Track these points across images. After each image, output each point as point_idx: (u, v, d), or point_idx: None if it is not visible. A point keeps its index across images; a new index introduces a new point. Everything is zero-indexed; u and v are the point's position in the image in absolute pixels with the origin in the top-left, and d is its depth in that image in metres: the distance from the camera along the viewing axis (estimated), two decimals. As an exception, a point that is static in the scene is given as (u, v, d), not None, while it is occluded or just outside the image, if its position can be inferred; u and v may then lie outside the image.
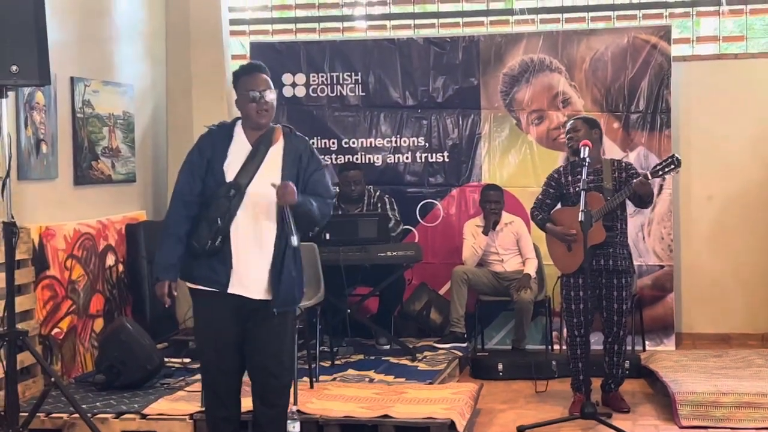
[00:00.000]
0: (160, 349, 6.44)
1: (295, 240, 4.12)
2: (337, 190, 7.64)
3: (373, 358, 6.96)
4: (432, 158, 7.90)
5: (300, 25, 8.55)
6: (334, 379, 6.30)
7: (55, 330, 6.15)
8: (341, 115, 8.03)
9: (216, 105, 7.76)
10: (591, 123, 5.97)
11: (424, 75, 7.90)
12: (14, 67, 4.64)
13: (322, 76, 8.02)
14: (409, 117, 7.94)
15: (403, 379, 6.28)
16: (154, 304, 7.04)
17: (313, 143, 7.84)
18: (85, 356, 6.48)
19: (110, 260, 6.92)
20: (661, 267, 7.55)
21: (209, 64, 7.88)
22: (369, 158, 7.96)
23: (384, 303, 7.47)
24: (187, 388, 5.91)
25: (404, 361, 6.79)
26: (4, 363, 4.78)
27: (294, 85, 8.03)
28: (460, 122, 7.85)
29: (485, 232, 7.31)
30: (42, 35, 4.76)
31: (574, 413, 5.64)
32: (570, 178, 5.88)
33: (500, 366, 6.81)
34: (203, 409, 4.77)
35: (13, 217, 4.78)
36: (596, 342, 6.19)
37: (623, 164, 5.98)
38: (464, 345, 7.18)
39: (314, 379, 6.09)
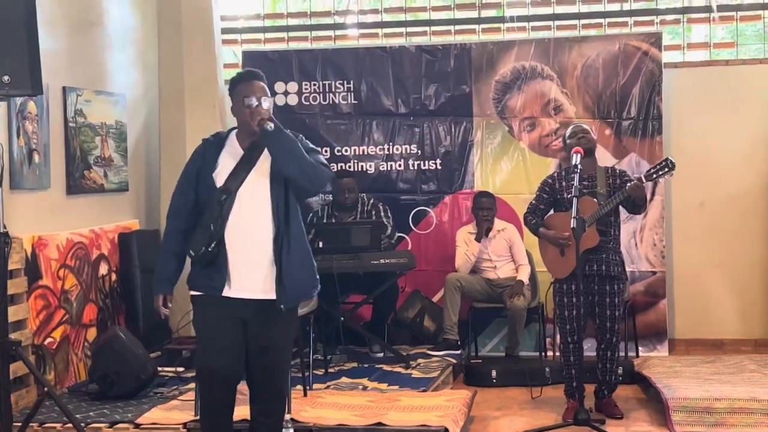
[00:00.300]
0: (153, 359, 6.43)
1: (270, 125, 4.16)
2: (331, 198, 7.67)
3: (366, 365, 6.96)
4: (425, 166, 7.92)
5: (292, 34, 8.57)
6: (328, 387, 6.30)
7: (48, 340, 6.15)
8: (333, 123, 8.04)
9: (208, 113, 7.75)
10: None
11: (416, 83, 7.91)
12: (6, 77, 4.63)
13: (315, 85, 8.03)
14: (401, 125, 7.95)
15: (396, 387, 6.27)
16: (148, 314, 7.05)
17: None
18: (78, 366, 6.47)
19: (103, 269, 6.92)
20: (654, 273, 7.56)
21: (202, 72, 7.87)
22: (362, 166, 7.97)
23: (377, 311, 7.48)
24: (180, 398, 5.91)
25: (398, 369, 6.79)
26: (-2, 373, 4.78)
27: (286, 93, 8.05)
28: (453, 130, 7.87)
29: (478, 239, 7.32)
30: (34, 45, 4.75)
31: (567, 420, 5.65)
32: (564, 184, 5.89)
33: (494, 373, 6.82)
34: (197, 417, 4.76)
35: (5, 227, 4.77)
36: (589, 348, 6.19)
37: (617, 171, 6.00)
38: (458, 352, 7.18)
39: (308, 387, 6.08)
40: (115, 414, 5.54)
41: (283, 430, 4.58)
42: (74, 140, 6.78)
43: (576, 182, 5.51)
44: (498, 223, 7.38)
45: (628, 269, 7.17)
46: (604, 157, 7.43)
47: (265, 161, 4.26)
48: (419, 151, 7.92)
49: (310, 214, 7.64)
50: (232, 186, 4.20)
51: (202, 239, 4.15)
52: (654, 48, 7.54)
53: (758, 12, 7.91)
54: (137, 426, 5.34)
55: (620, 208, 5.85)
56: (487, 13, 8.33)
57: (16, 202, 5.98)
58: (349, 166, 7.91)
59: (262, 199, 4.21)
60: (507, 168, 7.79)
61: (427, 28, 8.44)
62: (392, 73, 7.94)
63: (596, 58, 7.64)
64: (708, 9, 7.92)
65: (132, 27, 7.75)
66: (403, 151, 7.95)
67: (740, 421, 5.46)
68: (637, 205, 5.76)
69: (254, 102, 4.23)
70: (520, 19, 8.18)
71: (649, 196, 7.39)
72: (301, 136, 4.36)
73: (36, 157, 6.26)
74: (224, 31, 8.33)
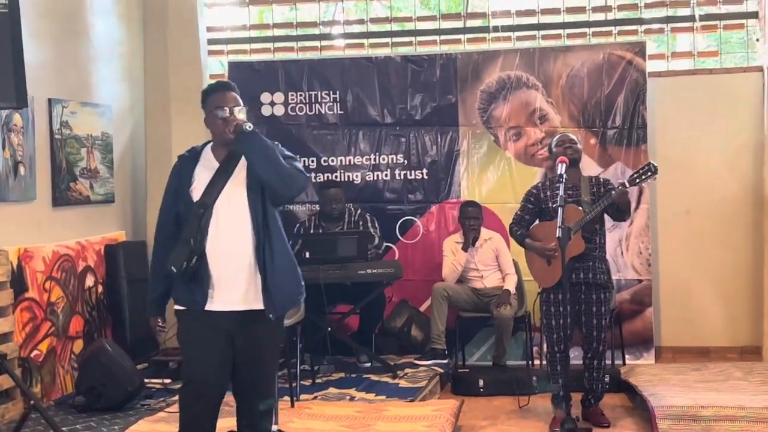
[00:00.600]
0: (140, 370, 6.43)
1: (249, 125, 4.13)
2: (318, 209, 7.68)
3: (354, 375, 6.96)
4: (411, 175, 7.93)
5: (278, 44, 8.58)
6: (315, 397, 6.30)
7: (35, 352, 6.13)
8: (320, 134, 8.05)
9: (195, 125, 7.57)
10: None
11: (402, 93, 7.93)
12: (-10, 91, 4.64)
13: (301, 95, 8.04)
14: (387, 135, 7.97)
15: (384, 397, 6.28)
16: (134, 325, 7.05)
17: (292, 162, 7.91)
18: (65, 378, 6.46)
19: (89, 281, 6.91)
20: (640, 281, 7.58)
21: (188, 83, 7.87)
22: (348, 176, 7.98)
23: (365, 320, 7.48)
24: (167, 409, 5.90)
25: (385, 379, 6.79)
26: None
27: (272, 104, 8.05)
28: (439, 139, 7.88)
29: (465, 249, 7.34)
30: (19, 57, 4.77)
31: (554, 429, 5.66)
32: (549, 193, 5.91)
33: (481, 382, 6.83)
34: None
35: (-9, 240, 4.77)
36: (576, 357, 6.20)
37: (600, 179, 6.03)
38: (445, 361, 7.18)
39: (295, 398, 6.08)
40: (102, 426, 5.53)
41: (271, 441, 4.57)
42: (60, 152, 6.77)
43: (561, 192, 5.53)
44: (484, 233, 7.40)
45: (614, 277, 7.20)
46: (590, 166, 7.46)
47: (241, 171, 4.21)
48: (406, 161, 7.93)
49: (297, 225, 7.66)
50: (209, 199, 4.16)
51: (183, 254, 4.10)
52: (638, 57, 7.57)
53: (741, 21, 7.96)
54: (124, 438, 5.34)
55: (605, 216, 5.87)
56: (472, 23, 8.35)
57: (2, 214, 5.98)
58: (336, 177, 7.92)
59: (240, 209, 4.17)
60: (493, 177, 7.81)
61: (412, 38, 8.45)
62: (378, 83, 7.95)
63: (581, 67, 7.67)
64: (691, 18, 7.97)
65: (118, 39, 7.76)
66: (390, 161, 7.96)
67: (726, 428, 5.47)
68: (621, 210, 5.77)
69: (227, 112, 4.19)
70: (506, 29, 8.20)
71: (635, 205, 7.44)
72: (277, 143, 4.33)
73: (22, 169, 6.25)
74: (210, 42, 8.35)
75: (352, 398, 6.30)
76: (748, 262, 7.65)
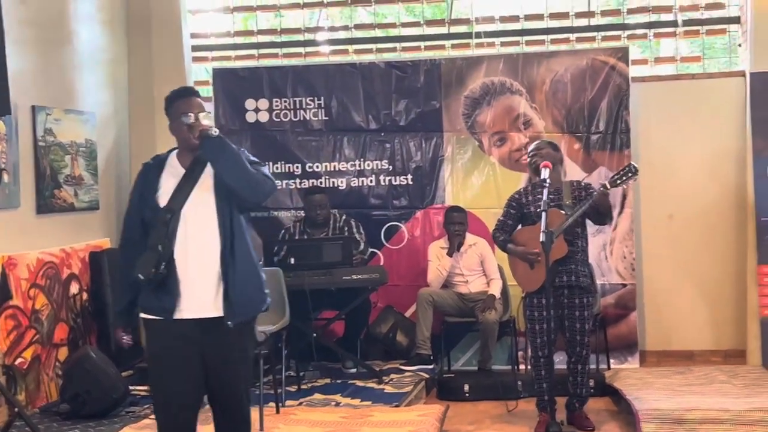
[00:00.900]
0: (125, 377, 6.41)
1: (215, 130, 4.09)
2: (303, 215, 7.69)
3: (339, 381, 6.97)
4: (396, 181, 7.94)
5: (262, 51, 8.58)
6: (301, 403, 6.30)
7: (19, 360, 6.12)
8: (304, 140, 8.05)
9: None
10: (553, 146, 6.05)
11: (386, 98, 7.94)
12: (-27, 98, 4.63)
13: (285, 101, 8.04)
14: (372, 140, 7.98)
15: (369, 403, 6.28)
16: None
17: (277, 168, 7.95)
18: (49, 385, 6.44)
19: (74, 289, 6.89)
20: (624, 286, 7.60)
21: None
22: (333, 182, 7.98)
23: (350, 326, 7.49)
24: (152, 416, 5.86)
25: (371, 384, 6.80)
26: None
27: (257, 110, 8.06)
28: (423, 145, 7.90)
29: (450, 254, 7.35)
30: (2, 65, 4.76)
31: (539, 433, 5.68)
32: (530, 198, 5.94)
33: (466, 387, 6.84)
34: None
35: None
36: (561, 362, 6.22)
37: (582, 184, 6.04)
38: (430, 367, 7.19)
39: (280, 404, 6.08)
40: (87, 434, 5.53)
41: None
42: (44, 159, 6.76)
43: (545, 196, 5.54)
44: (469, 238, 7.41)
45: (598, 282, 7.26)
46: (574, 171, 7.50)
47: (207, 177, 4.15)
48: (390, 167, 7.95)
49: (282, 231, 7.66)
50: (176, 205, 4.09)
51: (151, 261, 4.02)
52: (621, 62, 7.61)
53: (723, 26, 8.00)
54: (109, 445, 5.33)
55: (586, 221, 5.89)
56: (456, 29, 8.37)
57: (-14, 222, 5.97)
58: (321, 183, 7.93)
59: (207, 216, 4.10)
60: (478, 183, 7.83)
61: (397, 44, 8.47)
62: (363, 89, 7.96)
63: (564, 73, 7.70)
64: (674, 24, 8.01)
65: (101, 46, 7.75)
66: (375, 167, 7.97)
67: (710, 431, 5.50)
68: (602, 214, 5.79)
69: (192, 118, 4.12)
70: (489, 34, 8.24)
71: (618, 209, 7.48)
72: (243, 149, 4.26)
73: (5, 177, 6.24)
74: (195, 48, 8.35)
75: (337, 404, 6.30)
76: (732, 266, 7.68)
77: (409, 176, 7.92)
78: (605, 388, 6.71)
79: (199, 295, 4.08)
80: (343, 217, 7.63)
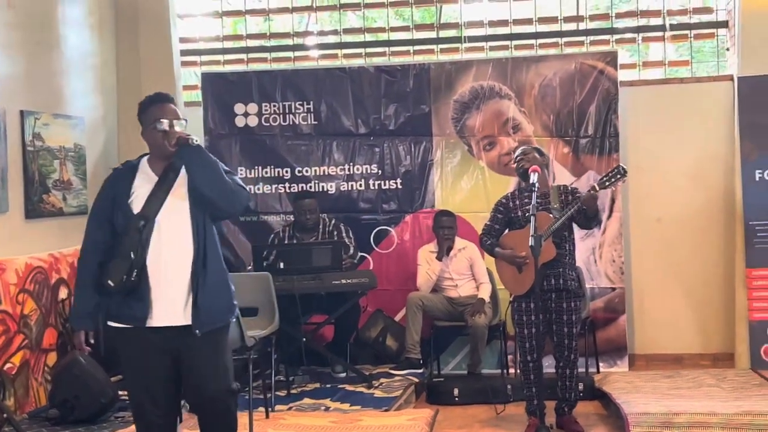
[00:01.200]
0: (114, 382, 6.38)
1: (195, 139, 4.07)
2: (292, 219, 7.69)
3: (329, 386, 6.96)
4: (385, 185, 7.94)
5: (251, 55, 8.58)
6: (290, 408, 6.30)
7: (8, 365, 6.09)
8: (294, 144, 8.04)
9: None
10: (538, 151, 6.06)
11: (375, 103, 7.95)
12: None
13: (274, 106, 8.04)
14: (361, 145, 7.98)
15: (359, 407, 6.28)
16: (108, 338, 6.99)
17: (266, 172, 7.96)
18: (38, 391, 6.42)
19: (63, 293, 6.86)
20: (613, 289, 7.62)
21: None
22: (322, 186, 7.98)
23: (339, 331, 7.49)
24: (141, 421, 5.87)
25: (360, 389, 6.79)
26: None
27: (246, 114, 8.05)
28: (413, 149, 7.90)
29: (439, 258, 7.36)
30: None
31: (528, 437, 5.69)
32: (518, 202, 5.95)
33: (456, 391, 6.84)
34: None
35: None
36: (549, 365, 6.23)
37: (569, 188, 6.05)
38: (420, 371, 7.20)
39: (270, 409, 6.07)
40: (76, 439, 5.51)
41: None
42: (32, 164, 6.74)
43: (534, 200, 5.55)
44: (459, 242, 7.42)
45: (587, 286, 7.27)
46: (562, 175, 7.51)
47: (181, 185, 4.13)
48: (380, 171, 7.95)
49: (272, 235, 7.66)
50: (150, 212, 4.06)
51: (122, 268, 3.99)
52: (609, 67, 7.62)
53: (711, 30, 8.04)
54: (98, 451, 5.32)
55: (574, 226, 5.90)
56: (445, 33, 8.40)
57: (-26, 227, 5.95)
58: (310, 187, 7.92)
59: (181, 224, 4.08)
60: (467, 187, 7.84)
61: (386, 49, 8.48)
62: (352, 93, 7.96)
63: (553, 77, 7.71)
64: (663, 28, 8.04)
65: (90, 50, 7.73)
66: (364, 171, 7.97)
67: (699, 434, 5.53)
68: (589, 218, 5.78)
69: (166, 125, 4.10)
70: (478, 39, 8.26)
71: (607, 213, 7.50)
72: (216, 159, 4.22)
73: (-7, 182, 6.22)
74: (183, 53, 8.34)
75: (327, 408, 6.29)
76: (720, 269, 7.71)
77: (399, 180, 7.93)
78: (594, 392, 6.72)
79: (171, 302, 4.05)
80: (333, 222, 7.63)
